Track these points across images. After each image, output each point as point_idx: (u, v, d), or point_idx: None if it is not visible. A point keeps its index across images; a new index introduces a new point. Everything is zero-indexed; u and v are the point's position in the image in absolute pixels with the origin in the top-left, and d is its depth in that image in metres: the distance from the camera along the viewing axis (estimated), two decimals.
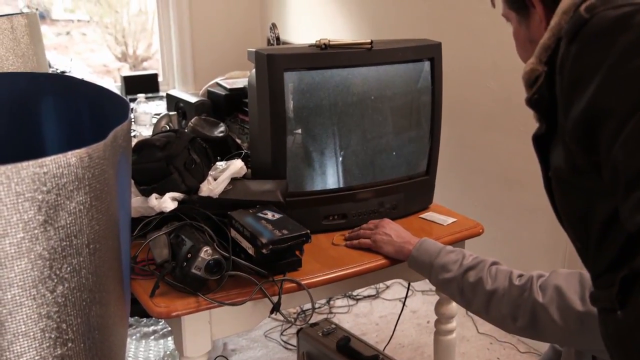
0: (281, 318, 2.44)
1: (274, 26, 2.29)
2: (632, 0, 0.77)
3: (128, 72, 3.72)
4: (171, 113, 2.07)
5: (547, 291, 1.15)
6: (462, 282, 1.26)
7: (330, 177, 1.58)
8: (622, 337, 0.79)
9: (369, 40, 1.53)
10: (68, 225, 0.77)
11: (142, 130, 2.34)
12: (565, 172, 0.87)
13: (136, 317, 2.44)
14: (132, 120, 2.39)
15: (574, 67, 0.80)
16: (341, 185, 1.59)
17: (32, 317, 0.76)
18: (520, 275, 1.21)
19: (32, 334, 0.77)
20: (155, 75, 3.43)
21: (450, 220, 1.62)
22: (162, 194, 1.39)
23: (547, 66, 0.88)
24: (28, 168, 0.73)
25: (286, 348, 2.44)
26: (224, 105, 2.04)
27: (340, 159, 1.58)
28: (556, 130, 0.87)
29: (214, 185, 1.43)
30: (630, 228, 0.72)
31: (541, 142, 0.92)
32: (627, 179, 0.72)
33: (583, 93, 0.77)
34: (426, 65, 1.62)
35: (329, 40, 1.50)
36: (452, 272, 1.28)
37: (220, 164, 1.53)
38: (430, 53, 1.61)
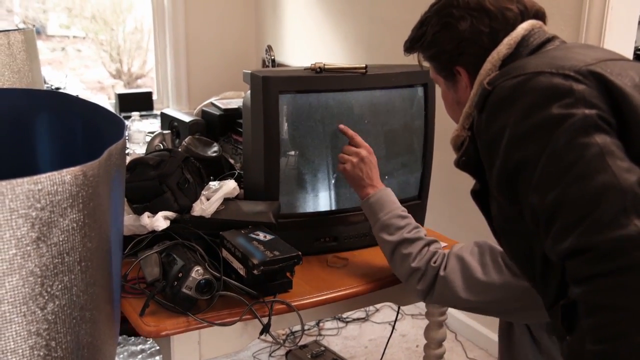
0: (270, 339, 2.43)
1: (269, 48, 2.31)
2: (525, 70, 0.90)
3: (122, 90, 3.73)
4: (165, 132, 2.08)
5: (449, 262, 1.30)
6: (395, 250, 1.36)
7: (322, 200, 1.58)
8: None
9: (364, 65, 1.55)
10: (61, 243, 0.77)
11: (136, 148, 2.34)
12: (501, 221, 0.99)
13: (124, 336, 2.42)
14: (126, 138, 2.39)
15: (486, 132, 0.93)
16: (333, 208, 1.60)
17: (22, 334, 0.76)
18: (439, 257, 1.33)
19: (20, 351, 0.76)
20: (149, 94, 3.44)
21: (442, 245, 1.62)
22: (154, 212, 1.39)
23: (470, 131, 1.00)
24: (23, 185, 0.73)
25: None
26: (218, 125, 2.05)
27: (333, 181, 1.58)
28: (487, 186, 0.98)
29: (206, 205, 1.43)
30: (554, 259, 0.82)
31: (479, 197, 1.04)
32: (544, 218, 0.83)
33: (497, 153, 0.90)
34: (419, 90, 1.64)
35: (324, 64, 1.52)
36: (391, 235, 1.37)
37: (213, 184, 1.53)
38: (424, 79, 1.62)
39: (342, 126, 1.49)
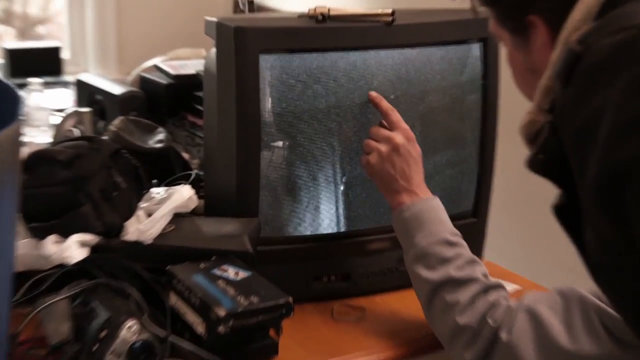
0: None
1: None
2: (636, 21, 0.90)
3: (14, 43, 3.73)
4: (83, 110, 2.08)
5: (518, 320, 1.27)
6: (434, 293, 1.36)
7: (325, 216, 1.59)
8: None
9: (389, 11, 1.55)
10: None
11: (37, 134, 2.34)
12: (600, 253, 0.96)
13: None
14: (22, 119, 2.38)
15: (575, 117, 0.93)
16: (342, 229, 1.60)
17: None
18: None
19: None
20: (57, 50, 3.44)
21: (511, 287, 1.62)
22: (65, 235, 1.39)
23: (551, 115, 1.00)
24: None
25: None
26: (165, 100, 2.06)
27: (342, 188, 1.59)
28: (578, 199, 0.97)
29: (146, 224, 1.43)
30: None
31: (566, 215, 1.03)
32: None
33: (593, 147, 0.89)
34: (474, 49, 1.64)
35: (329, 9, 1.52)
36: (431, 271, 1.37)
37: (158, 192, 1.53)
38: (481, 31, 1.62)
39: (373, 94, 1.51)
